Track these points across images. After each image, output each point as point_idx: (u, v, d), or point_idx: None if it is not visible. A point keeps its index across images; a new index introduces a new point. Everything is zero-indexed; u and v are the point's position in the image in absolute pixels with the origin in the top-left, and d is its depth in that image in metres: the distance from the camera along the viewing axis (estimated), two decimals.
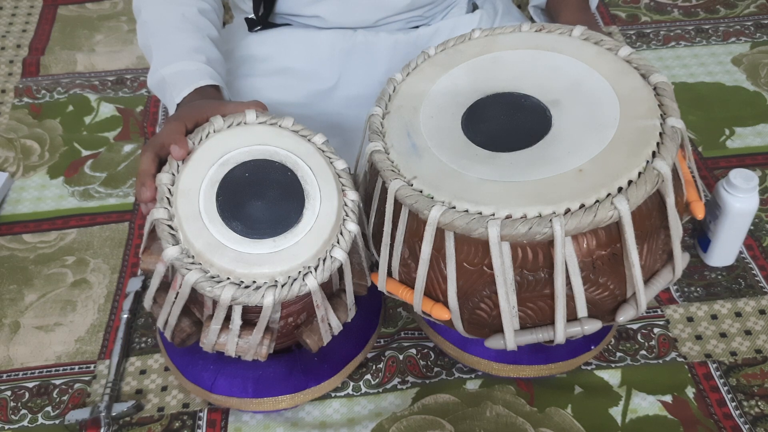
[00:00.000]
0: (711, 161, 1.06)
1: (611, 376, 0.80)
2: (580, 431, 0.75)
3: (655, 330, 0.85)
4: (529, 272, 0.60)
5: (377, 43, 0.93)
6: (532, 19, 1.06)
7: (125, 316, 0.88)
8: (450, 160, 0.63)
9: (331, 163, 0.69)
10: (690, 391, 0.79)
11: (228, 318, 0.64)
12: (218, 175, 0.65)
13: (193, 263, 0.61)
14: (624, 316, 0.64)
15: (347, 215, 0.66)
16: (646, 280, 0.64)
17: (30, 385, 0.83)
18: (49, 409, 0.81)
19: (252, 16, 0.93)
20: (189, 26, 0.79)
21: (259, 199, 0.65)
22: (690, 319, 0.86)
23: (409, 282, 0.67)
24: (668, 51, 1.27)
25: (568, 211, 0.57)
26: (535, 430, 0.75)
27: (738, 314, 0.86)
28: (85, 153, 1.13)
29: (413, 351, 0.83)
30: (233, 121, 0.69)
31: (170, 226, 0.62)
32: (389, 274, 0.69)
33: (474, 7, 0.98)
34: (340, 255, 0.64)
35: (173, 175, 0.65)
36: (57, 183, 1.09)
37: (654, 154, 0.59)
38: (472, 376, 0.81)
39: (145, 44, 0.81)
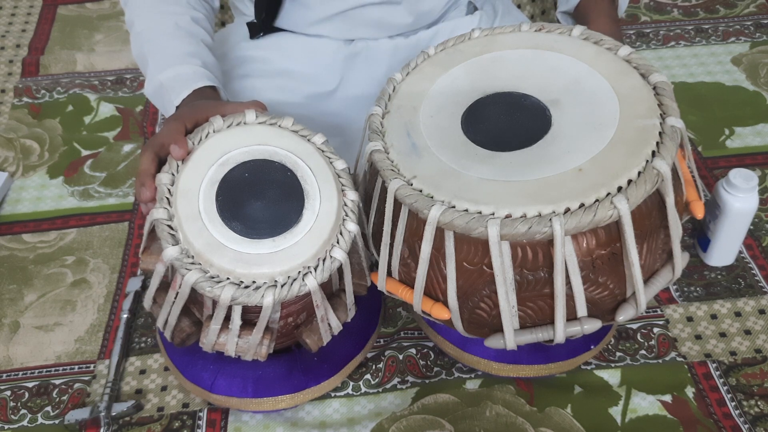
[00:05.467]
0: (711, 161, 1.06)
1: (611, 376, 0.80)
2: (580, 431, 0.75)
3: (655, 330, 0.85)
4: (528, 272, 0.60)
5: (378, 47, 0.93)
6: (532, 20, 1.06)
7: (125, 315, 0.88)
8: (450, 160, 0.63)
9: (331, 163, 0.69)
10: (690, 391, 0.79)
11: (228, 318, 0.64)
12: (218, 175, 0.65)
13: (192, 263, 0.61)
14: (624, 316, 0.64)
15: (347, 215, 0.66)
16: (646, 280, 0.64)
17: (30, 385, 0.83)
18: (48, 409, 0.81)
19: (253, 20, 0.92)
20: (183, 33, 0.80)
21: (259, 199, 0.65)
22: (690, 319, 0.86)
23: (408, 281, 0.67)
24: (668, 51, 1.27)
25: (567, 210, 0.57)
26: (534, 430, 0.75)
27: (738, 314, 0.86)
28: (84, 153, 1.13)
29: (413, 351, 0.83)
30: (233, 121, 0.69)
31: (170, 226, 0.62)
32: (389, 273, 0.69)
33: (473, 9, 0.98)
34: (339, 255, 0.64)
35: (173, 175, 0.65)
36: (57, 183, 1.09)
37: (654, 154, 0.59)
38: (472, 375, 0.81)
39: (140, 54, 0.81)
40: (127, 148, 1.14)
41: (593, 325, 0.64)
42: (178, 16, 0.81)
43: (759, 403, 0.78)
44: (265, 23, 0.92)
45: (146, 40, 0.80)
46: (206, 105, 0.71)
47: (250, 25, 0.93)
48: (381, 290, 0.70)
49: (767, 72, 1.20)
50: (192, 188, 0.64)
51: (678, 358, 0.82)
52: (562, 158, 0.60)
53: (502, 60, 0.71)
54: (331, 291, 0.72)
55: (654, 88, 0.65)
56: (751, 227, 0.95)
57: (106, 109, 1.21)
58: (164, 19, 0.80)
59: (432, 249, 0.62)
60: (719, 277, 0.91)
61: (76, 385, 0.83)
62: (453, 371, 0.82)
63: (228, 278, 0.61)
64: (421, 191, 0.61)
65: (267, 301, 0.61)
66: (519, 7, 1.23)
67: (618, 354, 0.83)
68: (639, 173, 0.58)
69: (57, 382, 0.84)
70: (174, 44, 0.79)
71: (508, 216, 0.57)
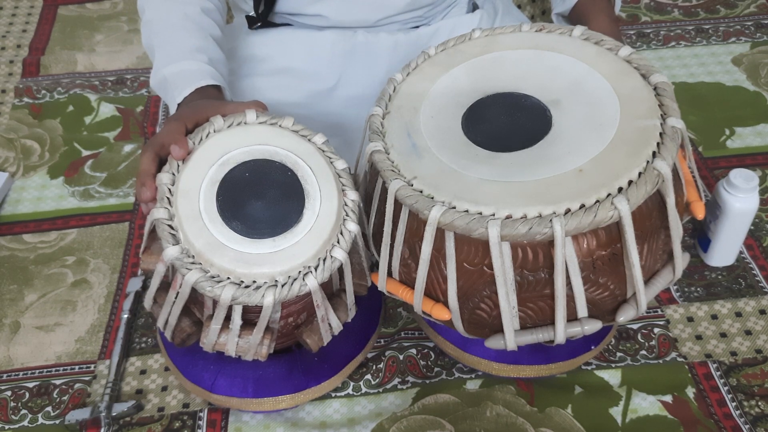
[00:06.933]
0: (711, 161, 1.06)
1: (611, 376, 0.80)
2: (581, 431, 0.75)
3: (656, 330, 0.85)
4: (529, 272, 0.60)
5: (378, 44, 0.93)
6: (532, 20, 1.06)
7: (125, 316, 0.88)
8: (450, 160, 0.63)
9: (331, 163, 0.69)
10: (690, 391, 0.79)
11: (228, 318, 0.64)
12: (218, 175, 0.65)
13: (193, 263, 0.61)
14: (624, 316, 0.64)
15: (347, 215, 0.66)
16: (646, 280, 0.64)
17: (30, 385, 0.83)
18: (49, 409, 0.81)
19: (252, 13, 0.93)
20: (191, 25, 0.79)
21: (259, 198, 0.65)
22: (690, 319, 0.86)
23: (409, 282, 0.67)
24: (668, 51, 1.27)
25: (568, 211, 0.56)
26: (535, 430, 0.75)
27: (738, 314, 0.86)
28: (85, 153, 1.13)
29: (413, 351, 0.83)
30: (233, 121, 0.69)
31: (170, 226, 0.62)
32: (389, 274, 0.69)
33: (474, 7, 0.98)
34: (340, 255, 0.64)
35: (173, 175, 0.65)
36: (57, 183, 1.09)
37: (654, 154, 0.59)
38: (472, 376, 0.81)
39: (149, 43, 0.81)
40: (128, 148, 1.14)
41: (594, 326, 0.64)
42: (188, 5, 0.80)
43: (759, 403, 0.78)
44: (263, 15, 0.92)
45: (154, 31, 0.80)
46: (207, 105, 0.71)
47: (248, 17, 0.93)
48: (381, 291, 0.70)
49: (767, 72, 1.20)
50: (192, 188, 0.64)
51: (678, 359, 0.82)
52: (563, 159, 0.60)
53: (503, 60, 0.71)
54: (332, 291, 0.72)
55: (654, 89, 0.65)
56: (752, 227, 0.95)
57: (107, 110, 1.21)
58: (174, 8, 0.80)
59: (432, 249, 0.62)
60: (720, 277, 0.91)
61: (77, 386, 0.83)
62: (453, 371, 0.82)
63: (228, 278, 0.61)
64: (421, 192, 0.61)
65: (267, 301, 0.61)
66: (519, 7, 1.23)
67: (618, 354, 0.83)
68: (639, 174, 0.58)
69: (57, 382, 0.84)
70: (181, 37, 0.78)
71: (508, 217, 0.57)
